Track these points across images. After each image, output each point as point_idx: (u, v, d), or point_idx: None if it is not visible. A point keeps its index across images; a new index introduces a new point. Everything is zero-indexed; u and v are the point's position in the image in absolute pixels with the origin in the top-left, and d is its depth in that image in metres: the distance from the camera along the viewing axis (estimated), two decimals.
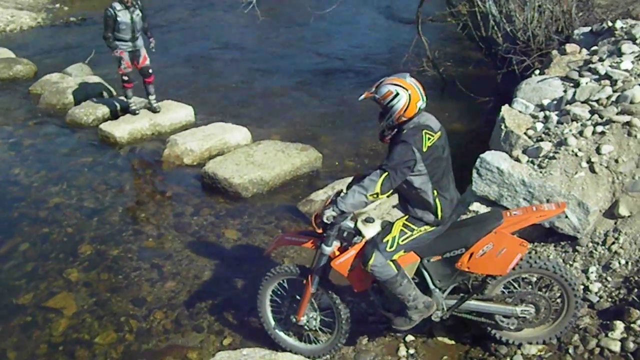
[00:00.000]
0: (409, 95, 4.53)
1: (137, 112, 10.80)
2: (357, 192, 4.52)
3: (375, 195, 4.48)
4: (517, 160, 6.34)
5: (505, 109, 7.24)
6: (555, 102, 7.15)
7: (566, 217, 5.02)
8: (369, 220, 4.95)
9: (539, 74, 8.15)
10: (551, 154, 6.24)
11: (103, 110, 11.37)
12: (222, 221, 7.91)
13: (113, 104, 11.62)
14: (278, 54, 15.58)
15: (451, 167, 4.83)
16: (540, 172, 6.12)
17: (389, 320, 5.12)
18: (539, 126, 6.79)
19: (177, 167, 9.34)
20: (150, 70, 10.56)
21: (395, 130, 4.71)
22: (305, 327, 5.39)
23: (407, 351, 5.43)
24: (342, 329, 5.24)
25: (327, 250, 4.93)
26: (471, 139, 9.47)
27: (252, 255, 7.14)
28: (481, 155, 6.40)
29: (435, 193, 4.65)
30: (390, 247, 4.68)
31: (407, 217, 4.78)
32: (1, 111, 12.05)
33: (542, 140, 6.52)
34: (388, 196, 4.71)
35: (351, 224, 4.91)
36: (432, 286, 4.99)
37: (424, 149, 4.47)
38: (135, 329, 6.09)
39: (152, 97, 10.86)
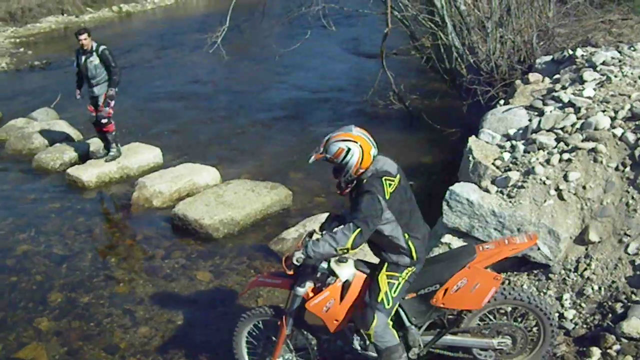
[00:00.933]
0: (361, 147, 4.50)
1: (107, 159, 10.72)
2: (328, 245, 4.42)
3: (345, 250, 4.42)
4: (487, 190, 6.37)
5: (472, 140, 7.29)
6: (521, 131, 7.22)
7: (538, 249, 5.02)
8: (342, 260, 4.89)
9: (504, 103, 8.24)
10: (520, 183, 6.28)
11: (70, 154, 11.28)
12: (193, 263, 7.83)
13: (80, 148, 11.53)
14: (245, 91, 15.66)
15: (416, 205, 4.81)
16: (510, 201, 6.15)
17: None
18: (507, 156, 6.84)
19: (147, 210, 9.25)
20: (104, 121, 10.39)
21: (354, 182, 4.67)
22: None
23: None
24: None
25: (300, 291, 4.87)
26: (439, 171, 9.54)
27: (225, 297, 7.05)
28: (450, 188, 6.42)
29: (407, 236, 4.60)
30: (388, 304, 4.64)
31: (385, 267, 4.70)
32: None
33: (510, 169, 6.56)
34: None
35: (324, 265, 4.84)
36: (407, 323, 4.92)
37: (387, 197, 4.43)
38: None
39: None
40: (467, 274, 4.71)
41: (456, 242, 6.36)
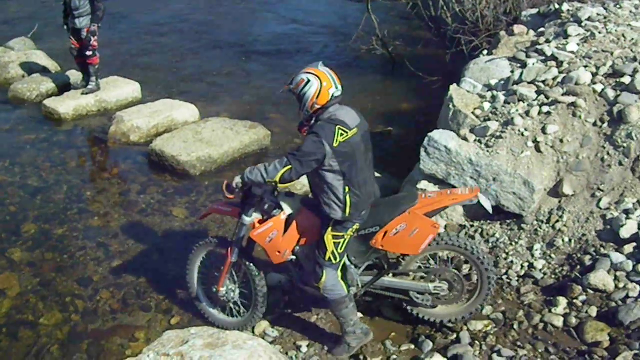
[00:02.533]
0: (320, 82, 4.52)
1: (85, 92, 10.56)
2: (260, 174, 4.58)
3: (273, 183, 4.56)
4: (465, 139, 6.41)
5: (453, 88, 7.30)
6: (502, 82, 7.24)
7: (478, 202, 5.09)
8: (289, 194, 5.15)
9: (487, 54, 8.23)
10: (498, 134, 6.32)
11: (47, 85, 11.09)
12: (169, 199, 7.82)
13: (57, 80, 11.36)
14: (226, 29, 15.46)
15: (371, 166, 4.88)
16: (487, 151, 6.20)
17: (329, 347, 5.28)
18: (487, 106, 6.87)
19: (124, 145, 9.15)
20: (89, 53, 10.21)
21: (312, 121, 4.69)
22: (225, 298, 5.47)
23: None
24: (258, 302, 5.31)
25: (247, 220, 5.05)
26: (419, 118, 9.55)
27: (200, 234, 7.05)
28: (429, 134, 6.44)
29: (347, 190, 4.63)
30: (336, 260, 4.81)
31: (331, 227, 4.76)
32: None
33: (489, 120, 6.61)
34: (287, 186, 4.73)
35: (272, 197, 5.02)
36: (347, 263, 5.08)
37: (335, 144, 4.42)
38: (82, 309, 5.99)
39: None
40: (407, 219, 4.83)
41: (432, 189, 6.41)
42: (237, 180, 4.74)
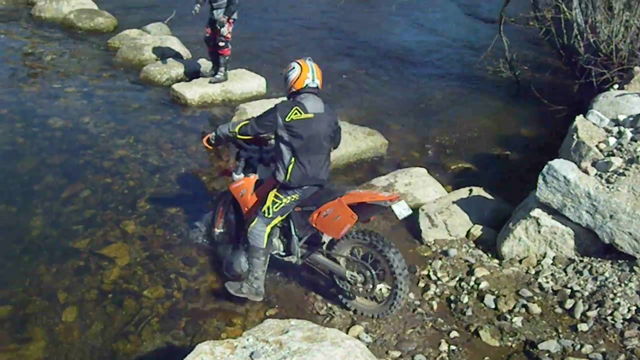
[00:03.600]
0: (301, 70, 5.54)
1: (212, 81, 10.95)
2: (228, 128, 5.76)
3: (234, 133, 5.66)
4: (585, 172, 6.25)
5: (579, 119, 7.14)
6: (631, 118, 7.03)
7: (390, 207, 5.32)
8: (265, 164, 6.17)
9: (618, 88, 8.03)
10: (621, 170, 6.14)
11: (177, 71, 11.59)
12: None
13: (188, 66, 11.82)
14: (356, 36, 15.56)
15: (326, 153, 5.68)
16: (608, 187, 6.04)
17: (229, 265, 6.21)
18: (612, 141, 6.69)
19: None
20: (222, 44, 10.57)
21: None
22: (217, 239, 6.69)
23: (448, 347, 5.43)
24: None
25: (236, 177, 6.23)
26: (538, 145, 9.37)
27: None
28: (549, 162, 6.32)
29: (293, 161, 5.48)
30: (268, 215, 5.64)
31: (277, 188, 5.65)
32: (78, 60, 12.37)
33: (613, 155, 6.42)
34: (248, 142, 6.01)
35: (254, 163, 6.19)
36: (293, 233, 5.91)
37: (287, 119, 5.36)
38: (184, 287, 6.21)
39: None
40: (335, 205, 5.45)
41: (545, 218, 6.32)
42: (212, 134, 5.97)
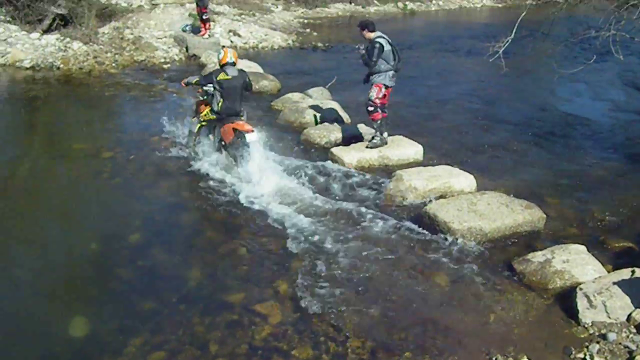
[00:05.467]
0: (224, 54, 10.29)
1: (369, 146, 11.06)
2: (190, 80, 10.58)
3: (194, 83, 10.52)
4: None
5: None
6: None
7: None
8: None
9: None
10: None
11: (336, 135, 11.80)
12: (434, 263, 7.80)
13: (346, 130, 12.04)
14: (515, 105, 15.39)
15: (238, 97, 10.32)
16: None
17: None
18: None
19: (398, 202, 9.37)
20: (370, 109, 10.74)
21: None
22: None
23: None
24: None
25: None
26: None
27: (437, 298, 7.01)
28: None
29: (221, 101, 10.15)
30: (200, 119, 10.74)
31: (209, 109, 10.51)
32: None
33: None
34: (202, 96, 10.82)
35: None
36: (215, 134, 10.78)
37: (217, 78, 10.07)
38: (332, 351, 6.14)
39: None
40: (227, 126, 10.25)
41: None
42: (185, 81, 10.66)
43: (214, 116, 10.35)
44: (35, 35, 18.75)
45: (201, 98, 10.79)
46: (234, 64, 10.18)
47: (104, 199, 9.57)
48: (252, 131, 9.69)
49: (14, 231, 8.56)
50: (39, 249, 8.08)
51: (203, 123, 10.72)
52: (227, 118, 10.20)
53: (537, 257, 7.64)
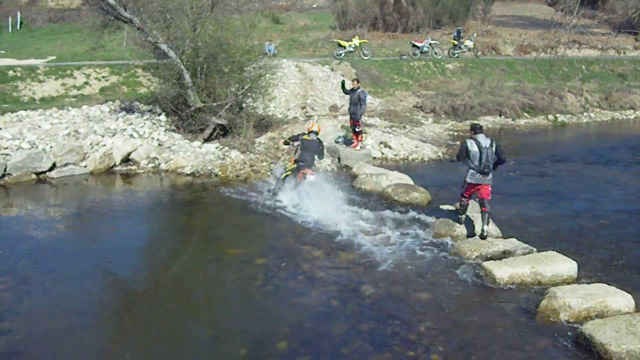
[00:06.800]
0: (311, 124, 16.10)
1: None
2: (286, 138, 17.81)
3: (288, 139, 16.77)
4: None
5: None
6: None
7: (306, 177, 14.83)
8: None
9: None
10: None
11: (487, 249, 11.76)
12: None
13: (498, 245, 11.98)
14: None
15: (314, 152, 15.39)
16: None
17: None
18: None
19: (551, 321, 9.18)
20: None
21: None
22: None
23: None
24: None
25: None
26: None
27: None
28: None
29: (300, 153, 15.33)
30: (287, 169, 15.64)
31: (296, 161, 15.47)
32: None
33: None
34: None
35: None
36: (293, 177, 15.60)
37: (302, 138, 15.57)
38: None
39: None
40: (301, 172, 15.02)
41: None
42: (284, 140, 17.70)
43: (295, 165, 15.22)
44: (196, 143, 20.17)
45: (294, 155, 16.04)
46: (316, 133, 15.58)
47: (255, 305, 9.94)
48: (313, 174, 14.92)
49: (162, 332, 9.07)
50: (187, 352, 8.47)
51: (288, 173, 15.26)
52: (302, 166, 15.04)
53: None
